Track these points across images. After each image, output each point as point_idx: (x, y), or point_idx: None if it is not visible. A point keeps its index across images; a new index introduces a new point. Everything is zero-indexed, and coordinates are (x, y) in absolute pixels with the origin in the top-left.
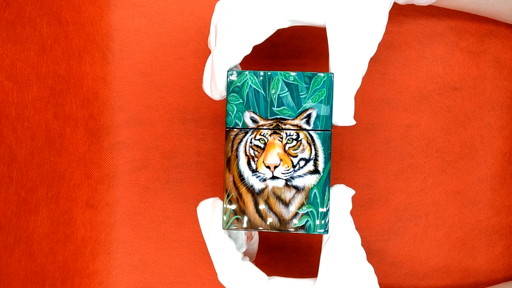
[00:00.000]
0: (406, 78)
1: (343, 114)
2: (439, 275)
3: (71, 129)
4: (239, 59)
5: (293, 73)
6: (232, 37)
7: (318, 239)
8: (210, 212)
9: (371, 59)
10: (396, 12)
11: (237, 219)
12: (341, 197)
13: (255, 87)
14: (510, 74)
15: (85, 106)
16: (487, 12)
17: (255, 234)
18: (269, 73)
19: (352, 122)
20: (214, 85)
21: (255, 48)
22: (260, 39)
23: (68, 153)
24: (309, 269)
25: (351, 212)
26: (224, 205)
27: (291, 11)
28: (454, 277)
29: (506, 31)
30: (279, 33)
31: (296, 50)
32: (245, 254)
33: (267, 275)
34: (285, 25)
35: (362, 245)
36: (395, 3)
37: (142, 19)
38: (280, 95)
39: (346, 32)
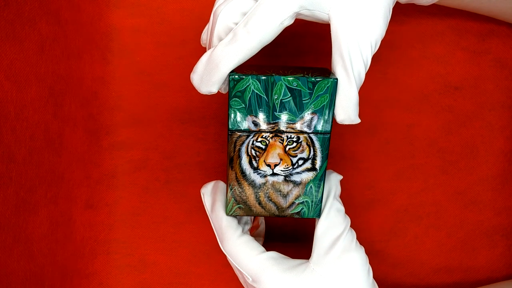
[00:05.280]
0: (407, 77)
1: (348, 112)
2: (440, 276)
3: (70, 129)
4: (246, 59)
5: (296, 79)
6: (244, 38)
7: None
8: (213, 192)
9: (371, 58)
10: (397, 11)
11: (239, 207)
12: (330, 181)
13: (257, 92)
14: (511, 73)
15: (84, 106)
16: (489, 10)
17: (262, 223)
18: (272, 78)
19: (357, 120)
20: (208, 78)
21: None
22: (269, 37)
23: (67, 153)
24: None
25: (351, 212)
26: (228, 196)
27: (297, 4)
28: (455, 277)
29: (507, 31)
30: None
31: (296, 49)
32: (254, 235)
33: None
34: (291, 20)
35: (363, 246)
36: (396, 3)
37: (141, 19)
38: (283, 100)
39: (350, 26)
